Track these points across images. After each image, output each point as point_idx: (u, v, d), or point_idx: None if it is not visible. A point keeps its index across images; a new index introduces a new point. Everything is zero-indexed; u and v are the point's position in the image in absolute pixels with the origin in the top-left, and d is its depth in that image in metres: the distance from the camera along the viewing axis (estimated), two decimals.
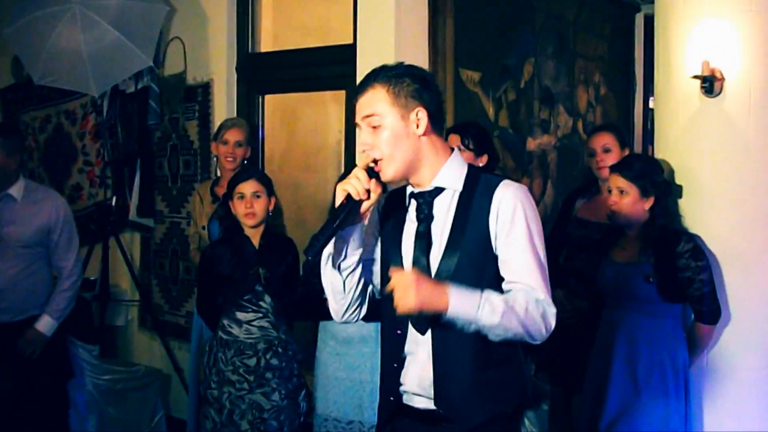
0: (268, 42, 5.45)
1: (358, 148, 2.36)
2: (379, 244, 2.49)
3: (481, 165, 3.94)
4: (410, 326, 2.37)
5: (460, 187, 2.34)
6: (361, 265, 2.41)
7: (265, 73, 5.20)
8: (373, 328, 3.65)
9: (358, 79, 4.38)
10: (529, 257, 2.26)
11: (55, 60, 4.94)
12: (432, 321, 2.29)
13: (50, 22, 4.86)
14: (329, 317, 3.57)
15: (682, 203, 3.64)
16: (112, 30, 4.83)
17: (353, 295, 2.44)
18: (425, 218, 2.35)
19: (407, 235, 2.39)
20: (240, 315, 3.71)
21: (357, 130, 2.37)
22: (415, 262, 2.34)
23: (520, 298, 2.22)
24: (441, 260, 2.31)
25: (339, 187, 2.31)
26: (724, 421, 3.61)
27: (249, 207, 3.70)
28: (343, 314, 2.51)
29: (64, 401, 4.51)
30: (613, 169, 3.59)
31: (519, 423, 2.50)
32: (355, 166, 4.20)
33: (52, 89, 5.72)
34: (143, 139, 5.52)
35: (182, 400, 5.14)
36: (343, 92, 4.74)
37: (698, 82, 3.52)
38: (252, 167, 4.29)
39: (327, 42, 5.06)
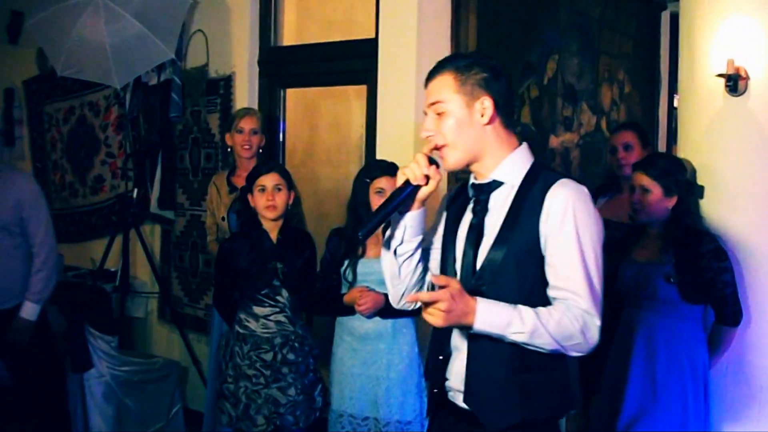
0: (290, 36, 5.44)
1: (422, 134, 2.33)
2: (440, 233, 2.48)
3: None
4: None
5: (518, 182, 2.31)
6: (419, 252, 2.40)
7: (287, 66, 5.18)
8: (390, 325, 3.65)
9: (379, 74, 4.46)
10: (576, 263, 2.20)
11: (77, 51, 4.96)
12: None
13: (73, 14, 4.88)
14: (346, 312, 3.64)
15: (705, 203, 3.60)
16: (135, 22, 4.84)
17: (410, 281, 2.44)
18: (480, 211, 2.34)
19: (463, 227, 2.38)
20: (257, 309, 3.70)
21: (424, 116, 2.36)
22: (464, 255, 2.33)
23: (557, 313, 2.18)
24: (487, 256, 2.29)
25: (399, 171, 2.30)
26: (745, 424, 3.57)
27: (270, 200, 3.68)
28: (400, 299, 2.49)
29: (63, 391, 4.52)
30: (637, 167, 3.56)
31: (555, 429, 2.43)
32: (374, 160, 4.24)
33: (75, 81, 5.77)
34: (165, 131, 5.55)
35: (200, 393, 5.16)
36: (364, 87, 4.71)
37: (722, 80, 3.47)
38: (272, 160, 4.28)
39: (350, 36, 5.04)
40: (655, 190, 3.44)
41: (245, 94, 5.17)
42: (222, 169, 5.16)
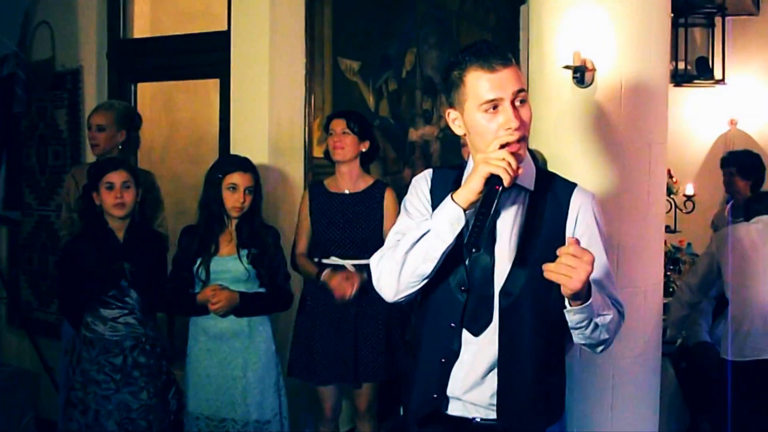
0: (143, 28, 5.28)
1: (512, 124, 2.08)
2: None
3: (363, 150, 3.96)
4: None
5: (531, 186, 2.23)
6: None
7: (138, 60, 5.03)
8: (246, 323, 3.61)
9: (232, 67, 4.36)
10: (607, 270, 2.20)
11: None
12: (488, 324, 2.20)
13: None
14: (200, 312, 3.54)
15: None
16: None
17: (423, 274, 2.19)
18: (493, 213, 2.11)
19: (512, 221, 2.24)
20: (104, 312, 3.56)
21: (499, 107, 2.11)
22: (478, 258, 2.20)
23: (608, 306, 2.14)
24: (513, 263, 2.18)
25: (485, 168, 2.05)
26: (599, 408, 3.64)
27: (119, 197, 3.54)
28: (396, 295, 2.23)
29: None
30: None
31: None
32: (226, 155, 4.15)
33: None
34: (9, 128, 5.32)
35: (53, 401, 4.94)
36: (218, 80, 4.61)
37: (570, 72, 3.53)
38: (118, 157, 4.12)
39: (207, 29, 4.91)
40: None
41: (94, 89, 5.01)
42: (72, 166, 4.96)
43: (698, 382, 4.55)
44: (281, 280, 3.71)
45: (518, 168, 2.06)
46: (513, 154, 2.06)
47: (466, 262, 2.22)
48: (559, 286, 1.99)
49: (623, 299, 2.29)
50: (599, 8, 3.54)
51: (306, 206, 3.99)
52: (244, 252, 3.60)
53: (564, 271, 1.93)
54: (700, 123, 7.74)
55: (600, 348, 2.20)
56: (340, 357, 3.87)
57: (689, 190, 6.24)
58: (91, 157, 4.56)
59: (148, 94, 5.45)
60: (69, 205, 4.33)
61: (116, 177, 3.56)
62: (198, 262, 3.59)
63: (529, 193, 2.22)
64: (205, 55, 4.69)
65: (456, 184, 2.22)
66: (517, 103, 2.11)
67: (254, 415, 3.59)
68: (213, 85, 5.35)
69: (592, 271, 1.94)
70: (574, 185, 2.26)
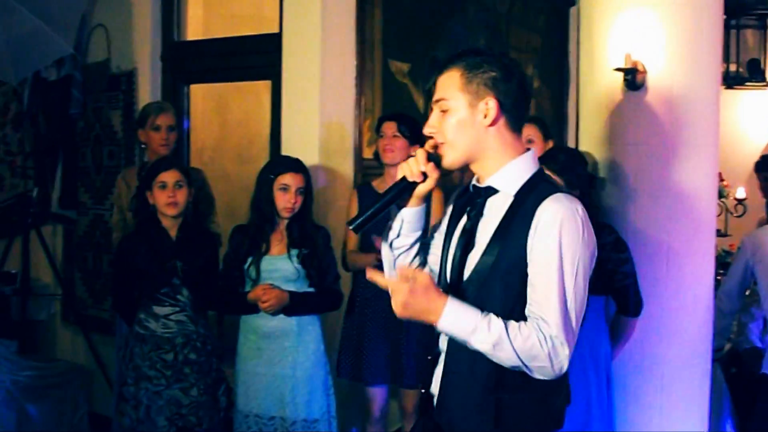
0: (196, 30, 5.36)
1: (425, 130, 2.25)
2: (442, 230, 2.40)
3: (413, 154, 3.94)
4: None
5: (513, 191, 2.20)
6: (416, 248, 2.37)
7: (191, 62, 5.10)
8: (295, 323, 3.62)
9: (284, 69, 4.40)
10: (553, 288, 2.08)
11: None
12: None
13: None
14: (250, 310, 3.59)
15: (605, 196, 3.65)
16: (32, 16, 4.75)
17: None
18: (474, 216, 2.24)
19: (458, 229, 2.30)
20: (157, 309, 3.62)
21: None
22: (454, 258, 2.26)
23: (527, 331, 2.08)
24: (475, 265, 2.20)
25: (399, 166, 2.28)
26: (648, 413, 3.63)
27: (171, 196, 3.60)
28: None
29: None
30: (539, 161, 3.57)
31: None
32: (278, 156, 4.20)
33: None
34: (66, 128, 5.41)
35: (106, 397, 5.03)
36: (269, 82, 4.66)
37: (621, 74, 3.51)
38: (172, 157, 4.19)
39: (258, 31, 4.96)
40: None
41: (148, 90, 5.06)
42: (127, 166, 5.04)
43: (748, 387, 4.48)
44: (331, 280, 3.74)
45: (435, 168, 2.23)
46: (430, 154, 2.23)
47: (447, 264, 2.30)
48: (517, 294, 2.12)
49: (673, 303, 2.26)
50: (650, 11, 3.53)
51: (355, 207, 4.01)
52: (294, 252, 3.62)
53: (392, 299, 2.10)
54: (751, 125, 7.62)
55: (529, 371, 2.11)
56: (389, 358, 3.88)
57: (740, 193, 6.17)
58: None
59: (200, 96, 5.52)
60: (121, 207, 4.40)
61: (169, 176, 3.62)
62: (249, 262, 3.62)
63: (512, 201, 2.20)
64: (256, 57, 4.73)
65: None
66: (438, 111, 2.23)
67: (302, 413, 3.61)
68: (264, 86, 5.41)
69: (407, 304, 2.07)
70: (549, 193, 2.14)
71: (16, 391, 4.70)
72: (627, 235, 3.52)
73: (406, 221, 2.32)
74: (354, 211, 4.00)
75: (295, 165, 3.67)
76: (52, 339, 5.71)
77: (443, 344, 2.30)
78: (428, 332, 2.34)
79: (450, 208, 2.41)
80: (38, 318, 5.59)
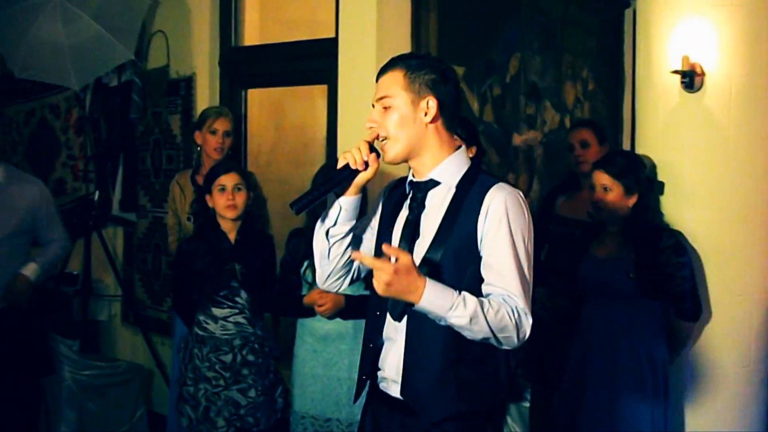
0: (253, 35, 5.42)
1: (366, 125, 2.42)
2: (375, 225, 2.55)
3: (470, 156, 3.94)
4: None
5: (455, 183, 2.38)
6: (350, 237, 2.48)
7: (248, 67, 5.16)
8: (351, 326, 3.64)
9: (340, 73, 4.44)
10: (511, 263, 2.28)
11: (35, 53, 4.92)
12: (408, 309, 2.35)
13: (31, 15, 4.84)
14: (306, 313, 3.62)
15: (663, 199, 3.61)
16: (93, 23, 4.82)
17: (337, 264, 2.51)
18: (416, 208, 2.41)
19: (400, 221, 2.45)
20: (216, 311, 3.68)
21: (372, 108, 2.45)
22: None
23: (496, 304, 2.24)
24: (426, 253, 2.34)
25: (341, 155, 2.39)
26: (704, 419, 3.59)
27: (230, 199, 3.66)
28: (325, 280, 2.57)
29: (37, 399, 4.47)
30: (597, 165, 3.56)
31: (494, 423, 2.51)
32: (333, 159, 4.22)
33: (36, 83, 5.71)
34: (126, 133, 5.51)
35: (164, 396, 5.12)
36: (325, 86, 4.70)
37: (678, 77, 3.48)
38: (231, 160, 4.25)
39: (314, 36, 5.01)
40: (616, 189, 3.45)
41: (207, 95, 5.15)
42: (184, 169, 5.12)
43: None
44: None
45: (376, 159, 2.36)
46: (372, 146, 2.37)
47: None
48: (469, 277, 2.30)
49: (730, 308, 2.27)
50: (708, 12, 3.49)
51: None
52: None
53: (374, 277, 2.19)
54: None
55: (497, 342, 2.28)
56: None
57: None
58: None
59: (256, 100, 5.57)
60: (175, 210, 4.48)
61: (228, 180, 3.67)
62: (305, 265, 3.65)
63: (454, 191, 2.37)
64: (313, 62, 4.78)
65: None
66: (381, 108, 2.38)
67: (358, 416, 3.63)
68: (319, 90, 5.47)
69: (392, 282, 2.14)
70: (493, 183, 2.35)
71: (77, 389, 4.82)
72: (686, 239, 3.49)
73: (344, 209, 2.43)
74: None
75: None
76: (112, 339, 5.81)
77: (390, 332, 2.43)
78: (371, 321, 2.51)
79: (380, 204, 2.58)
80: (99, 318, 5.71)
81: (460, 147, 2.46)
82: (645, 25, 3.75)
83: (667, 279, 3.39)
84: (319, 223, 2.49)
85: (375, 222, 2.57)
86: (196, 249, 3.70)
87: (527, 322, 2.27)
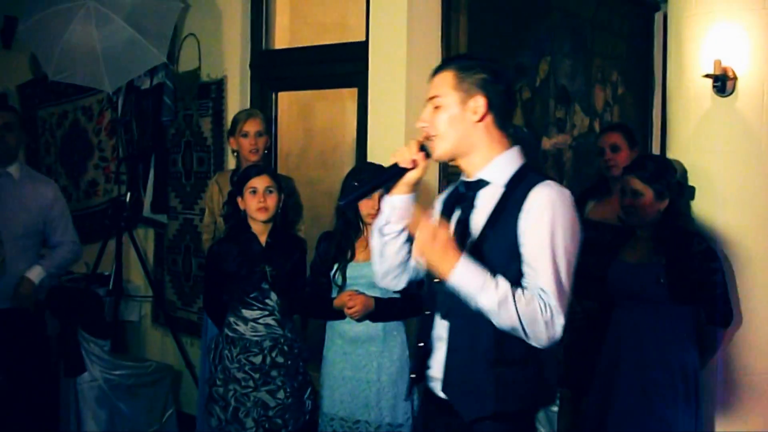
0: (283, 39, 5.44)
1: (417, 124, 2.46)
2: None
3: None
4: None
5: (504, 183, 2.38)
6: (404, 235, 2.51)
7: (279, 70, 5.19)
8: (381, 328, 3.64)
9: (370, 76, 4.45)
10: (547, 260, 2.26)
11: (69, 56, 4.97)
12: (452, 307, 2.38)
13: (64, 18, 4.88)
14: (336, 316, 3.63)
15: (694, 203, 3.60)
16: (126, 26, 4.85)
17: (392, 262, 2.56)
18: (466, 208, 2.44)
19: (453, 222, 2.46)
20: (246, 312, 3.70)
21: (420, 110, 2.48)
22: None
23: (529, 296, 2.24)
24: (472, 251, 2.34)
25: (391, 154, 2.44)
26: (736, 425, 3.57)
27: (262, 202, 3.68)
28: (382, 278, 2.63)
29: (55, 399, 4.53)
30: (628, 170, 3.55)
31: (531, 424, 2.51)
32: (362, 162, 4.24)
33: (69, 85, 5.77)
34: (157, 135, 5.54)
35: (194, 397, 5.15)
36: (356, 89, 4.71)
37: (710, 81, 3.47)
38: (262, 163, 4.28)
39: (344, 39, 5.04)
40: (647, 194, 3.44)
41: (237, 98, 5.17)
42: (215, 173, 5.16)
43: None
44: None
45: (424, 158, 2.40)
46: (422, 145, 2.40)
47: None
48: (512, 277, 2.28)
49: (762, 314, 2.26)
50: (740, 16, 3.48)
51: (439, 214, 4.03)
52: None
53: (415, 240, 2.28)
54: None
55: (526, 336, 2.26)
56: None
57: None
58: (233, 164, 4.74)
59: (285, 103, 5.59)
60: (212, 209, 4.50)
61: (259, 182, 3.69)
62: (335, 268, 3.66)
63: (503, 191, 2.37)
64: (343, 65, 4.79)
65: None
66: (431, 107, 2.41)
67: (387, 418, 3.63)
68: (348, 93, 5.49)
69: (431, 246, 2.23)
70: (540, 180, 2.33)
71: (108, 388, 4.85)
72: (717, 244, 3.47)
73: (396, 207, 2.47)
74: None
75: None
76: (142, 339, 5.86)
77: (440, 331, 2.45)
78: (422, 322, 2.56)
79: (438, 208, 2.60)
80: (129, 319, 5.75)
81: (513, 146, 2.45)
82: (676, 29, 3.74)
83: (698, 284, 3.38)
84: (375, 221, 2.54)
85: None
86: (227, 251, 3.72)
87: (559, 322, 2.26)
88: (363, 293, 3.59)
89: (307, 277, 3.81)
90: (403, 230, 2.49)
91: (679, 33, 3.69)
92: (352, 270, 3.65)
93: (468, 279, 2.24)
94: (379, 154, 4.27)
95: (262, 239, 3.73)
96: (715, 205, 3.57)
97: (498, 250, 2.32)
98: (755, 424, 3.55)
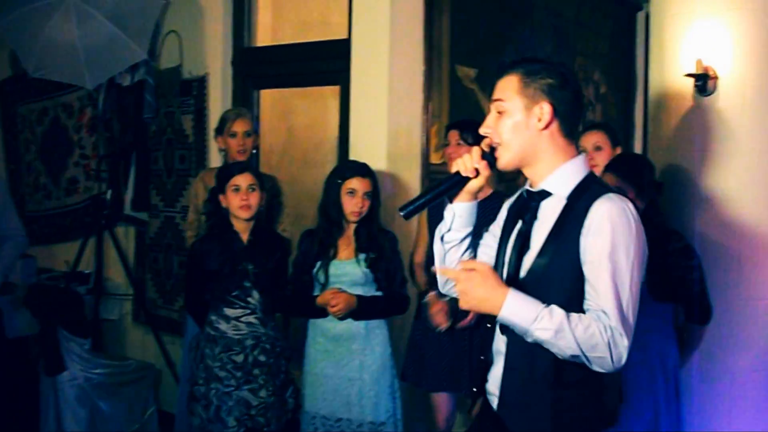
0: (265, 36, 5.43)
1: (480, 130, 2.36)
2: (498, 232, 2.48)
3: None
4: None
5: (566, 194, 2.28)
6: (466, 242, 2.45)
7: (261, 67, 5.17)
8: (363, 326, 3.65)
9: (353, 74, 4.44)
10: (607, 280, 2.15)
11: (49, 52, 4.93)
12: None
13: (45, 15, 4.84)
14: (319, 314, 3.63)
15: (674, 201, 3.62)
16: (107, 23, 4.81)
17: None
18: (529, 219, 2.33)
19: (515, 233, 2.38)
20: (228, 311, 3.69)
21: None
22: (509, 260, 2.34)
23: (587, 320, 2.13)
24: (531, 266, 2.27)
25: (454, 161, 2.38)
26: (716, 422, 3.59)
27: (245, 199, 3.66)
28: (444, 286, 2.54)
29: (35, 398, 4.49)
30: (607, 168, 3.56)
31: None
32: (345, 160, 4.24)
33: (49, 82, 5.70)
34: (139, 132, 5.52)
35: (175, 395, 5.12)
36: (338, 87, 4.71)
37: (692, 80, 3.49)
38: (245, 161, 4.27)
39: (326, 37, 5.02)
40: (628, 192, 3.44)
41: (219, 96, 5.15)
42: (197, 170, 5.13)
43: None
44: (398, 284, 3.76)
45: (486, 167, 2.31)
46: (485, 153, 2.32)
47: (504, 267, 2.37)
48: (571, 293, 2.19)
49: (742, 311, 2.26)
50: (722, 16, 3.50)
51: (425, 216, 4.03)
52: (362, 256, 3.65)
53: (457, 289, 2.20)
54: None
55: (588, 363, 2.16)
56: (451, 365, 3.89)
57: None
58: (215, 162, 4.72)
59: (267, 100, 5.58)
60: (197, 206, 4.46)
61: (242, 180, 3.68)
62: (317, 266, 3.66)
63: (565, 203, 2.27)
64: (325, 63, 4.78)
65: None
66: (495, 112, 2.33)
67: (369, 416, 3.64)
68: (330, 91, 5.47)
69: (472, 293, 2.16)
70: (602, 193, 2.23)
71: (88, 387, 4.82)
72: (696, 243, 3.49)
73: (458, 215, 2.40)
74: (425, 221, 4.03)
75: (362, 169, 3.70)
76: (122, 338, 5.82)
77: (500, 345, 2.37)
78: (485, 335, 2.46)
79: (504, 215, 2.50)
80: (110, 317, 5.71)
81: (579, 154, 2.36)
82: (658, 28, 3.76)
83: (676, 282, 3.39)
84: (437, 229, 2.47)
85: (498, 229, 2.49)
86: (209, 249, 3.70)
87: (622, 344, 2.13)
88: (346, 291, 3.60)
89: (290, 275, 3.80)
90: (465, 237, 2.43)
91: (661, 32, 3.70)
92: (334, 268, 3.65)
93: (519, 313, 2.14)
94: (361, 151, 4.28)
95: (244, 237, 3.71)
96: (695, 204, 3.58)
97: (559, 268, 2.23)
98: (735, 421, 3.57)
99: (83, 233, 5.50)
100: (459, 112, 4.70)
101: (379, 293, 3.69)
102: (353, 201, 3.64)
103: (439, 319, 3.78)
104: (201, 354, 3.72)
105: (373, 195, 3.68)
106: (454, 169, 2.35)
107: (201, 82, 5.22)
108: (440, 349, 3.91)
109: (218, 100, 5.14)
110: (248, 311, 3.69)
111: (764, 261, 3.57)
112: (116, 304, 5.73)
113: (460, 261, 2.32)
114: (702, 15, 3.52)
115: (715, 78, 3.48)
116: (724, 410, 3.59)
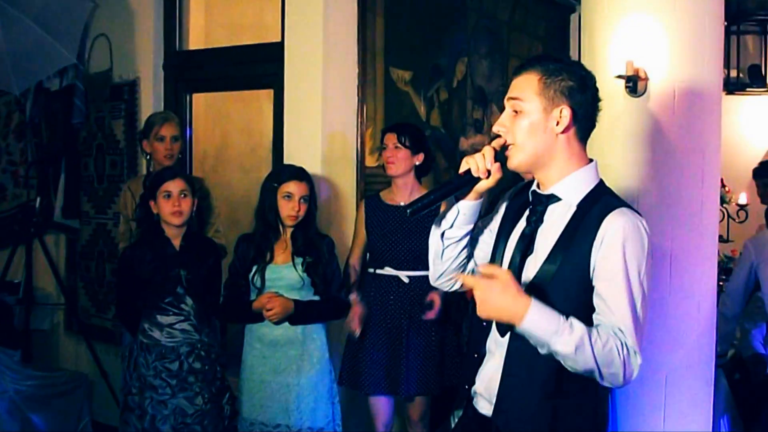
0: (199, 40, 5.37)
1: (494, 128, 2.28)
2: (495, 228, 2.43)
3: (418, 163, 4.00)
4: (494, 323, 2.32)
5: (576, 202, 2.24)
6: (466, 240, 2.39)
7: (194, 71, 5.11)
8: (300, 331, 3.63)
9: (287, 78, 4.41)
10: (624, 298, 2.13)
11: None
12: (508, 326, 2.21)
13: None
14: (255, 319, 3.60)
15: None
16: (34, 26, 4.75)
17: (450, 265, 2.42)
18: (535, 222, 2.28)
19: (516, 231, 2.33)
20: (161, 318, 3.63)
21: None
22: (511, 261, 2.29)
23: (605, 336, 2.10)
24: (537, 272, 2.23)
25: (464, 159, 2.27)
26: (649, 420, 3.62)
27: (176, 206, 3.61)
28: (437, 279, 2.49)
29: None
30: None
31: None
32: (281, 164, 4.21)
33: None
34: (68, 138, 5.42)
35: (109, 406, 5.03)
36: (272, 91, 4.67)
37: (622, 81, 3.52)
38: (176, 166, 4.20)
39: (259, 40, 4.98)
40: None
41: (150, 100, 5.09)
42: (128, 176, 5.05)
43: (751, 393, 4.49)
44: (336, 288, 3.75)
45: (499, 169, 2.23)
46: (498, 153, 2.23)
47: (502, 265, 2.31)
48: (576, 303, 2.15)
49: (676, 309, 2.27)
50: (651, 17, 3.53)
51: (362, 218, 4.03)
52: (299, 260, 3.63)
53: (476, 297, 2.11)
54: (753, 131, 7.59)
55: (600, 378, 2.13)
56: (390, 368, 3.89)
57: (742, 199, 6.17)
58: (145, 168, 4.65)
59: (201, 104, 5.52)
60: (127, 216, 4.39)
61: (174, 186, 3.63)
62: (254, 270, 3.63)
63: (575, 209, 2.24)
64: (258, 66, 4.74)
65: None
66: (510, 110, 2.26)
67: (307, 421, 3.62)
68: (265, 95, 5.44)
69: (495, 302, 2.07)
70: (614, 207, 2.19)
71: (19, 400, 4.70)
72: None
73: (462, 213, 2.33)
74: (362, 224, 4.03)
75: (298, 173, 3.68)
76: (55, 348, 5.71)
77: (492, 345, 2.33)
78: (477, 331, 2.41)
79: (503, 208, 2.44)
80: (41, 327, 5.59)
81: (591, 161, 2.31)
82: (589, 29, 3.78)
83: None
84: (435, 223, 2.40)
85: (495, 225, 2.44)
86: (140, 255, 3.64)
87: (636, 361, 2.12)
88: (282, 295, 3.57)
89: (226, 280, 3.75)
90: (465, 235, 2.37)
91: (592, 34, 3.73)
92: (271, 272, 3.63)
93: (541, 325, 2.07)
94: (296, 155, 4.25)
95: (176, 243, 3.66)
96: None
97: (567, 276, 2.18)
98: (670, 418, 3.61)
99: (12, 242, 5.35)
100: (394, 115, 4.70)
101: (316, 297, 3.67)
102: (290, 205, 3.62)
103: (354, 325, 3.79)
104: (134, 363, 3.67)
105: (310, 199, 3.67)
106: (463, 168, 2.25)
107: (132, 87, 5.15)
108: (377, 352, 3.91)
109: (149, 104, 5.07)
110: (182, 318, 3.63)
111: (697, 259, 3.62)
112: (47, 314, 5.61)
113: (480, 265, 2.25)
114: (632, 17, 3.54)
115: (645, 79, 3.51)
116: (658, 407, 3.62)
